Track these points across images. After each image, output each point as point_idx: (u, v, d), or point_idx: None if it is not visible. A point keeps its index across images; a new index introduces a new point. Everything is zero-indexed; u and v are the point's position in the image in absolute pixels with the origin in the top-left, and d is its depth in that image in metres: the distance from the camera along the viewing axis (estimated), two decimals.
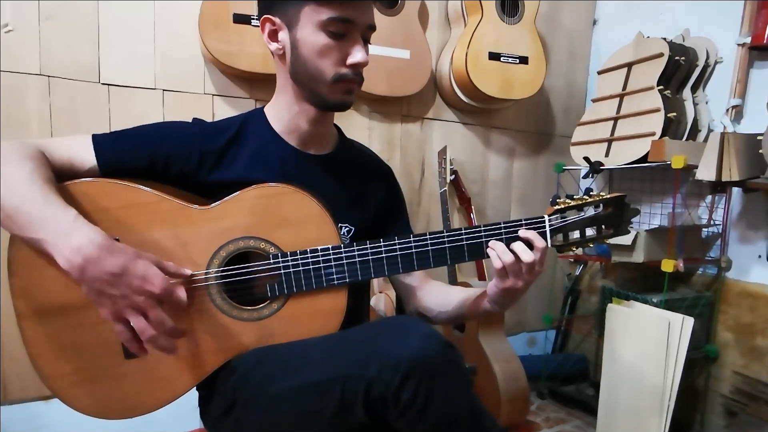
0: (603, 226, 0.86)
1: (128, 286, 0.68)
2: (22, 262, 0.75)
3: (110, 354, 0.79)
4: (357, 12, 0.79)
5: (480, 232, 0.82)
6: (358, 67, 0.82)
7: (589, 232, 0.85)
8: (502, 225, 0.82)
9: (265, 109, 0.92)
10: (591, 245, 0.88)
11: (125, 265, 0.68)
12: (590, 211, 0.84)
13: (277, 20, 0.82)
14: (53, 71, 1.39)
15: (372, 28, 0.83)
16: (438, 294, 0.99)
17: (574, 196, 0.86)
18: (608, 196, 0.85)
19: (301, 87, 0.85)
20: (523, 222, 0.82)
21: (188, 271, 0.78)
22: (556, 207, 0.84)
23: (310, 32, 0.79)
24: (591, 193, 0.86)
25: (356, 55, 0.80)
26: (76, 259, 0.66)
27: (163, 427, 1.43)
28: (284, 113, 0.89)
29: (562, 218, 0.84)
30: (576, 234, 0.85)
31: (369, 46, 0.85)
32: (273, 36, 0.84)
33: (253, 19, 1.47)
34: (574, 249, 0.87)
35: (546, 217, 0.83)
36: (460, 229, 0.82)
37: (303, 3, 0.79)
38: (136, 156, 0.81)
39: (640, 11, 2.02)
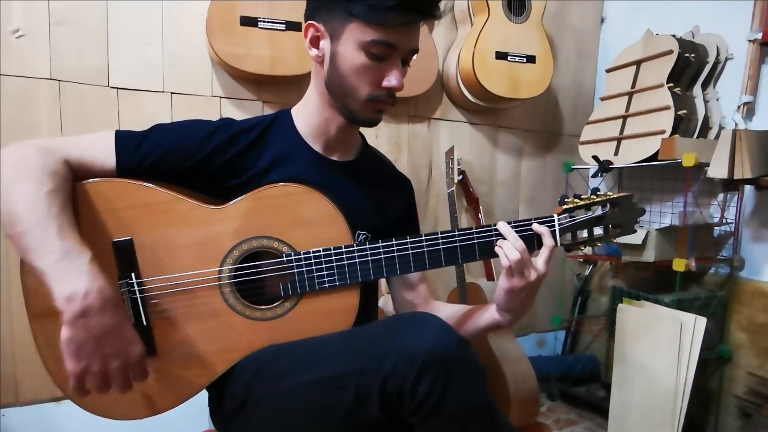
0: (610, 226, 0.87)
1: (112, 346, 0.66)
2: None
3: None
4: (402, 37, 0.78)
5: (491, 231, 0.83)
6: (392, 90, 0.82)
7: (597, 231, 0.86)
8: (513, 223, 0.83)
9: (293, 110, 0.91)
10: (599, 244, 0.89)
11: (119, 325, 0.67)
12: (598, 211, 0.86)
13: (321, 28, 0.81)
14: (63, 75, 1.40)
15: (415, 51, 0.82)
16: (442, 312, 0.96)
17: (582, 196, 0.87)
18: (615, 196, 0.86)
19: (333, 97, 0.84)
20: (533, 221, 0.84)
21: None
22: (565, 206, 0.86)
23: (351, 49, 0.78)
24: (598, 192, 0.87)
25: (392, 80, 0.80)
26: (75, 306, 0.63)
27: (172, 428, 1.43)
28: (314, 116, 0.88)
29: (570, 217, 0.85)
30: (584, 233, 0.87)
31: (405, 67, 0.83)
32: (315, 42, 0.83)
33: (260, 21, 1.47)
34: (582, 248, 0.88)
35: (555, 217, 0.84)
36: (471, 228, 0.83)
37: (349, 18, 0.77)
38: (158, 156, 0.80)
39: (649, 9, 2.01)
